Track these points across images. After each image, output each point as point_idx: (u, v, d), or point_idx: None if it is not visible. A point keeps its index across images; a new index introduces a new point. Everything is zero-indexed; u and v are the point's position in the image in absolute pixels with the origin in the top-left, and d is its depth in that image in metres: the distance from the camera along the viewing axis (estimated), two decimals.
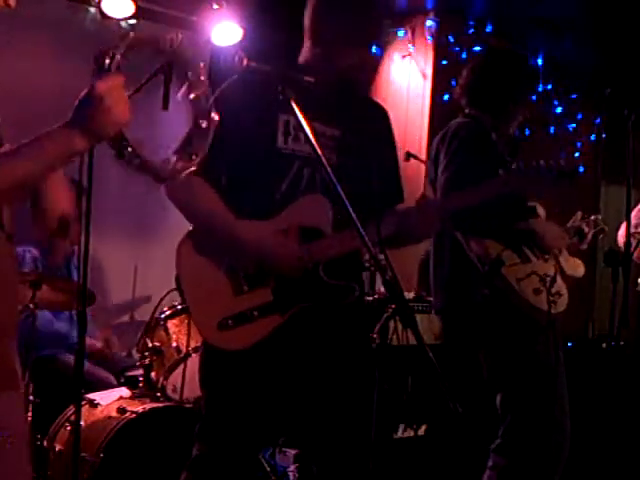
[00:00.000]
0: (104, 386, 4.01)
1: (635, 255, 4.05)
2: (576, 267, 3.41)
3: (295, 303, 2.37)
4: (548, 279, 3.12)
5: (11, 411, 1.76)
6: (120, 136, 1.72)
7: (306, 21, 2.55)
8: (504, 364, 3.18)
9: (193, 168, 2.27)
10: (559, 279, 3.21)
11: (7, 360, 1.78)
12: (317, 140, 2.34)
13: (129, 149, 1.74)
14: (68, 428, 3.41)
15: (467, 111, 3.36)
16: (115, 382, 4.17)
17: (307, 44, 2.55)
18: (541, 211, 3.37)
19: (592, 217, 3.53)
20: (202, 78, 1.77)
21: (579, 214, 3.51)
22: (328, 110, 2.45)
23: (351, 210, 1.91)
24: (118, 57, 1.73)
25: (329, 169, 1.96)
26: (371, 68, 2.49)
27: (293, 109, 2.06)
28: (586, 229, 3.48)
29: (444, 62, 5.74)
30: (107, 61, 1.71)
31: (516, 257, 3.13)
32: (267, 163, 2.39)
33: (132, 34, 1.75)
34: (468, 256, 3.13)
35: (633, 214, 4.43)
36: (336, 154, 2.45)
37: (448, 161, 3.13)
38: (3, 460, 1.72)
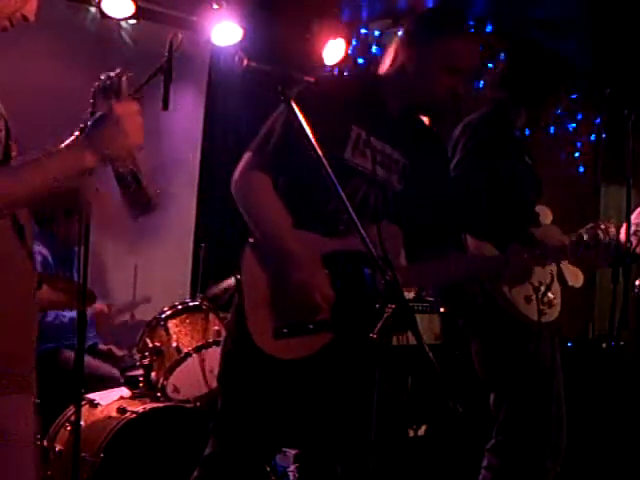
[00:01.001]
0: (109, 381, 4.02)
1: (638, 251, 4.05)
2: (576, 277, 3.39)
3: (350, 326, 2.37)
4: (542, 288, 3.12)
5: (20, 415, 1.77)
6: (130, 163, 1.75)
7: (406, 37, 2.51)
8: (496, 363, 3.18)
9: (249, 158, 2.29)
10: (555, 287, 3.20)
11: (21, 363, 1.79)
12: (382, 160, 2.34)
13: (131, 178, 1.77)
14: (68, 428, 3.41)
15: (496, 99, 3.32)
16: (118, 375, 4.18)
17: (399, 59, 2.50)
18: (548, 214, 3.35)
19: (601, 225, 3.48)
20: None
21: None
22: (398, 134, 2.44)
23: (354, 216, 1.91)
24: (126, 83, 1.76)
25: (333, 177, 1.96)
26: (454, 104, 2.47)
27: (297, 120, 2.03)
28: (601, 235, 3.43)
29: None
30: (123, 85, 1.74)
31: None
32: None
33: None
34: None
35: (634, 214, 4.42)
36: (398, 179, 2.46)
37: (460, 158, 3.11)
38: (8, 464, 1.72)
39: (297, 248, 2.33)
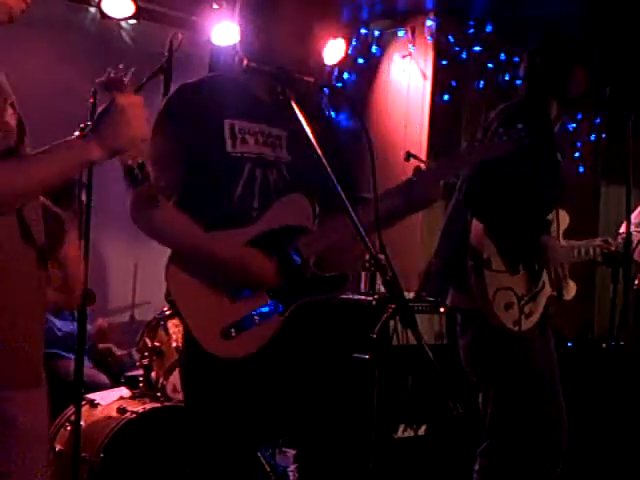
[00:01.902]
0: (98, 389, 4.01)
1: (636, 254, 4.05)
2: (569, 290, 3.38)
3: (293, 301, 2.38)
4: (526, 298, 3.12)
5: (34, 409, 1.79)
6: (137, 155, 1.76)
7: (246, 16, 2.51)
8: (479, 362, 3.17)
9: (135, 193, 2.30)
10: (541, 299, 3.19)
11: (32, 361, 1.81)
12: (265, 140, 2.36)
13: (138, 171, 1.77)
14: (68, 428, 3.41)
15: (530, 91, 3.28)
16: (109, 383, 4.17)
17: (246, 41, 2.50)
18: (566, 218, 3.33)
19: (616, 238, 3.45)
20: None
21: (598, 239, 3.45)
22: (272, 112, 2.45)
23: (344, 197, 1.92)
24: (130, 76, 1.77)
25: (324, 160, 1.97)
26: (315, 66, 2.43)
27: (297, 120, 2.03)
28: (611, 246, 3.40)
29: (444, 62, 5.74)
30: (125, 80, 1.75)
31: (504, 266, 3.10)
32: (219, 169, 2.39)
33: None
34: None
35: (634, 214, 4.43)
36: (287, 152, 2.47)
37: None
38: (22, 455, 1.73)
39: (217, 247, 2.34)
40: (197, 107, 2.37)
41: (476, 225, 3.10)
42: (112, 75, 1.76)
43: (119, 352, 4.52)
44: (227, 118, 2.40)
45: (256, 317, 2.34)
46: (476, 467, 3.17)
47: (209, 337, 2.32)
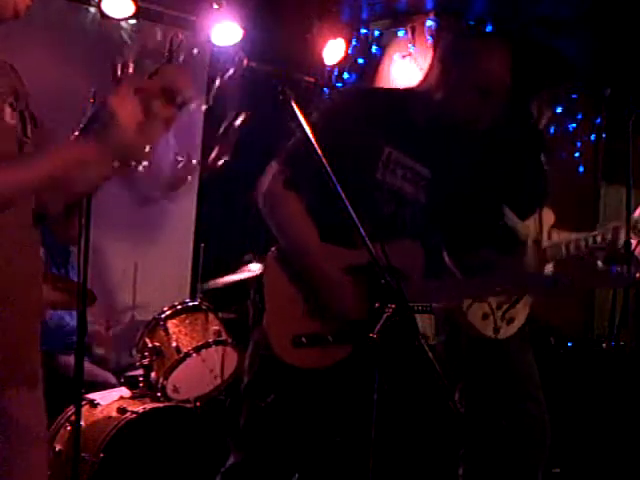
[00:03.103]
0: (103, 387, 4.01)
1: (637, 252, 4.05)
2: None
3: (365, 339, 2.38)
4: (505, 306, 3.12)
5: (31, 408, 1.78)
6: (134, 155, 1.75)
7: (441, 55, 2.51)
8: (456, 362, 3.17)
9: (276, 172, 2.30)
10: (524, 303, 3.18)
11: (29, 360, 1.81)
12: (409, 176, 2.35)
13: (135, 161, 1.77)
14: (68, 428, 3.41)
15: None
16: (115, 382, 4.17)
17: (433, 76, 2.51)
18: (551, 217, 3.33)
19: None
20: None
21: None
22: (424, 147, 2.44)
23: (359, 223, 1.91)
24: (131, 65, 1.76)
25: (335, 180, 1.96)
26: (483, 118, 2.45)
27: (297, 120, 2.04)
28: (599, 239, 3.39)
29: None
30: (119, 72, 1.74)
31: None
32: (360, 190, 2.38)
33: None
34: None
35: (636, 213, 4.42)
36: (424, 193, 2.47)
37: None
38: (17, 458, 1.73)
39: (322, 262, 2.35)
40: (371, 118, 2.37)
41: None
42: (119, 72, 1.76)
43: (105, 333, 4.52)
44: (388, 144, 2.40)
45: (330, 337, 2.35)
46: (460, 471, 3.18)
47: (281, 339, 2.34)
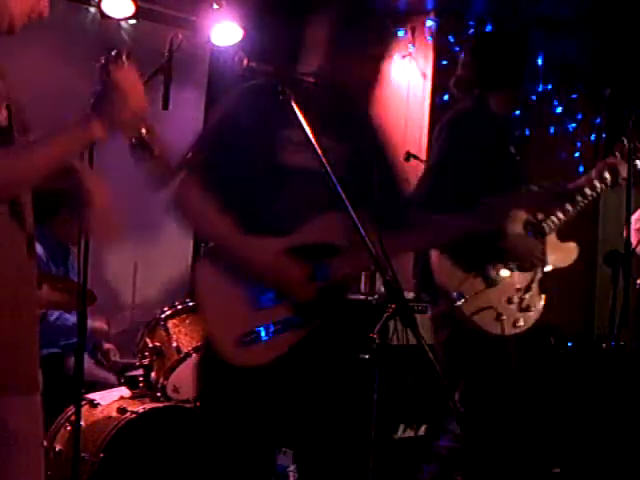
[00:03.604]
0: (104, 387, 4.01)
1: (638, 250, 4.06)
2: (568, 253, 3.36)
3: (316, 318, 2.38)
4: (517, 295, 3.13)
5: (28, 415, 1.77)
6: (139, 130, 1.75)
7: (315, 37, 2.52)
8: (458, 361, 3.17)
9: (187, 176, 2.30)
10: (535, 288, 3.20)
11: (27, 365, 1.79)
12: (326, 155, 2.36)
13: (143, 145, 1.76)
14: (68, 428, 3.41)
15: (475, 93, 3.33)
16: (115, 382, 4.17)
17: (311, 59, 2.52)
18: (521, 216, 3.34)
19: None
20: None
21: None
22: (327, 123, 2.45)
23: (355, 217, 1.91)
24: (128, 47, 1.77)
25: (335, 179, 1.96)
26: (373, 84, 2.44)
27: (296, 120, 2.04)
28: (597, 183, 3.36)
29: (444, 62, 5.74)
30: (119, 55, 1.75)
31: (480, 283, 3.10)
32: (268, 178, 2.39)
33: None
34: None
35: (636, 214, 4.43)
36: (338, 166, 2.47)
37: (440, 154, 3.15)
38: (13, 465, 1.72)
39: (255, 250, 2.33)
40: (264, 109, 2.35)
41: (436, 262, 3.10)
42: (109, 57, 1.76)
43: (114, 357, 4.51)
44: (285, 126, 2.38)
45: (275, 328, 2.34)
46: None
47: (226, 342, 2.32)
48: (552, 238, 3.30)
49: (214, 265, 2.37)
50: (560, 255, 3.33)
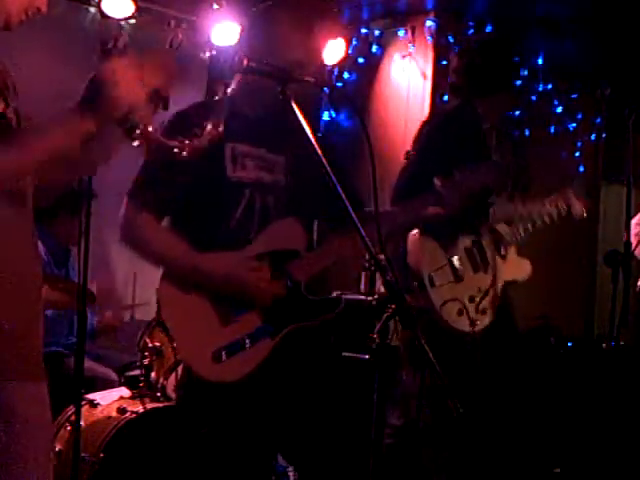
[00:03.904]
0: (104, 383, 4.01)
1: (638, 252, 4.06)
2: (521, 269, 3.42)
3: (284, 325, 2.39)
4: (477, 299, 3.18)
5: (33, 401, 1.78)
6: (133, 118, 1.73)
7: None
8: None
9: (131, 203, 2.29)
10: (491, 295, 3.24)
11: (33, 352, 1.80)
12: (262, 165, 2.37)
13: (137, 129, 1.74)
14: (68, 428, 3.41)
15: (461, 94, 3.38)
16: (116, 378, 4.17)
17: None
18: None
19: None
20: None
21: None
22: (269, 135, 2.46)
23: (353, 214, 1.91)
24: (125, 38, 1.75)
25: (332, 174, 1.96)
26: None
27: (296, 119, 2.04)
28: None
29: (444, 62, 5.73)
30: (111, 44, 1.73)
31: (450, 275, 3.16)
32: (219, 193, 2.40)
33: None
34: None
35: (636, 218, 4.44)
36: (284, 176, 2.48)
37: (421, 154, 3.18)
38: (21, 447, 1.73)
39: (215, 265, 2.33)
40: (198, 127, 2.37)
41: (411, 246, 3.13)
42: (104, 47, 1.75)
43: (116, 322, 4.53)
44: (228, 142, 2.40)
45: (247, 341, 2.34)
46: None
47: (200, 360, 2.31)
48: (512, 252, 3.38)
49: (175, 285, 2.36)
50: (516, 269, 3.40)
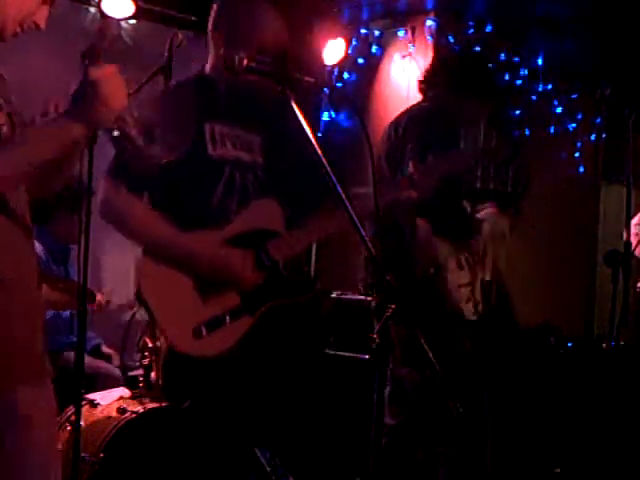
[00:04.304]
0: (110, 380, 4.02)
1: (638, 251, 4.06)
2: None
3: (263, 303, 2.41)
4: (470, 287, 3.22)
5: (42, 402, 1.78)
6: (119, 125, 1.74)
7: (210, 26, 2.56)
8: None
9: (111, 182, 2.31)
10: (477, 287, 3.28)
11: (35, 355, 1.82)
12: (241, 144, 2.39)
13: (124, 140, 1.76)
14: (68, 428, 3.40)
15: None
16: (119, 374, 4.18)
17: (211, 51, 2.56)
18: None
19: None
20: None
21: None
22: (247, 115, 2.47)
23: (345, 198, 1.92)
24: (110, 38, 1.76)
25: (327, 165, 1.96)
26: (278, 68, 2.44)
27: (296, 119, 2.05)
28: None
29: (439, 61, 5.73)
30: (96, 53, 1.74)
31: (455, 264, 3.20)
32: (200, 171, 2.42)
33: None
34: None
35: (636, 218, 4.44)
36: (260, 155, 2.50)
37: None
38: (33, 447, 1.74)
39: (195, 245, 2.37)
40: (183, 109, 2.38)
41: (424, 234, 3.16)
42: (89, 48, 1.76)
43: (116, 361, 4.52)
44: (207, 121, 2.42)
45: (227, 317, 2.36)
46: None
47: (181, 336, 2.35)
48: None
49: (155, 261, 2.39)
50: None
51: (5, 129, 1.75)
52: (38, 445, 1.77)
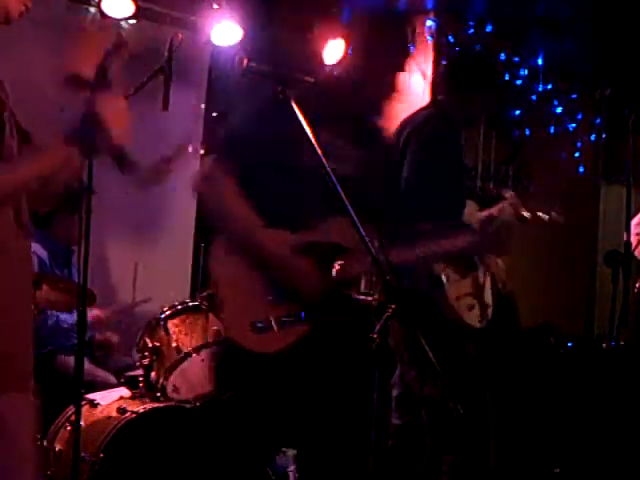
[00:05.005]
0: (103, 386, 4.01)
1: (638, 252, 4.06)
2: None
3: (320, 315, 2.44)
4: (475, 294, 3.21)
5: (20, 413, 1.78)
6: (116, 150, 1.75)
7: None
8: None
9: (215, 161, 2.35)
10: (488, 289, 3.27)
11: (18, 361, 1.80)
12: (335, 155, 2.39)
13: (121, 160, 1.77)
14: (68, 428, 3.41)
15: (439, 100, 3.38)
16: (115, 381, 4.17)
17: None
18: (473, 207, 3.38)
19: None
20: None
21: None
22: (342, 128, 2.51)
23: (352, 211, 1.93)
24: (116, 67, 1.74)
25: (334, 178, 1.98)
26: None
27: (296, 119, 2.06)
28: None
29: (444, 62, 5.74)
30: (105, 73, 1.73)
31: (456, 274, 3.17)
32: (291, 176, 2.45)
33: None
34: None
35: (636, 218, 4.44)
36: (354, 169, 2.52)
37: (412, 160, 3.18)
38: (8, 460, 1.73)
39: (271, 245, 2.43)
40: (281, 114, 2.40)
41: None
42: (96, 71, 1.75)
43: (116, 339, 4.52)
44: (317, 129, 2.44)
45: (286, 321, 2.40)
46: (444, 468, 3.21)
47: (238, 325, 2.42)
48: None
49: (230, 252, 2.45)
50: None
51: (15, 148, 1.76)
52: (12, 454, 1.76)
